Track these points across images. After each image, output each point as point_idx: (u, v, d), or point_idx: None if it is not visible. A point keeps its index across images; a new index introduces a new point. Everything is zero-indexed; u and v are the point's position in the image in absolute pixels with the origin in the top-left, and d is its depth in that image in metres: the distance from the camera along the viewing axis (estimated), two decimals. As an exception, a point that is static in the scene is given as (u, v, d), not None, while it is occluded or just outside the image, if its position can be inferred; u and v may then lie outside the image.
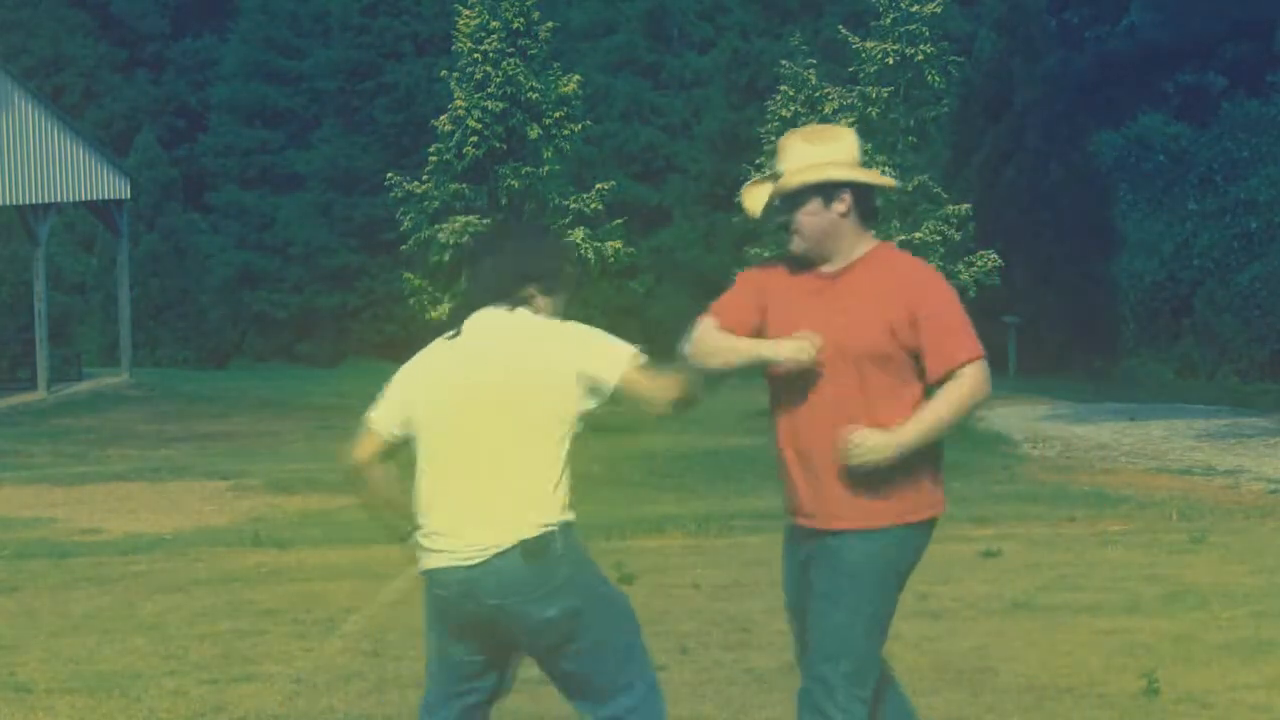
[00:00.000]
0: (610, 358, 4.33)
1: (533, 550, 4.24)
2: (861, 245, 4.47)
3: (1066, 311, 37.00)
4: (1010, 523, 13.36)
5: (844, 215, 4.43)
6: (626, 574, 9.84)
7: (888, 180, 4.55)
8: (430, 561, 4.38)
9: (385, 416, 4.44)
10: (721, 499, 16.53)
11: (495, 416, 4.28)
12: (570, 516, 4.33)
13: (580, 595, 4.33)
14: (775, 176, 4.52)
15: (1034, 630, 8.10)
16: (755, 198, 4.58)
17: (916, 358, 4.42)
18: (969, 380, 4.42)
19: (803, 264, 4.51)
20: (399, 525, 4.51)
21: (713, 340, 4.44)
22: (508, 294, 4.40)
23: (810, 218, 4.42)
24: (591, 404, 4.32)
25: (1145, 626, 8.15)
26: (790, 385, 4.42)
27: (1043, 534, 12.30)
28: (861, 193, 4.48)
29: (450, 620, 4.40)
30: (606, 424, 26.60)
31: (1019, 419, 26.53)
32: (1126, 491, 17.15)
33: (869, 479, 4.34)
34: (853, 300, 4.40)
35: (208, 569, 11.08)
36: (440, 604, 4.40)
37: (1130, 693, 6.65)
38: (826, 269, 4.47)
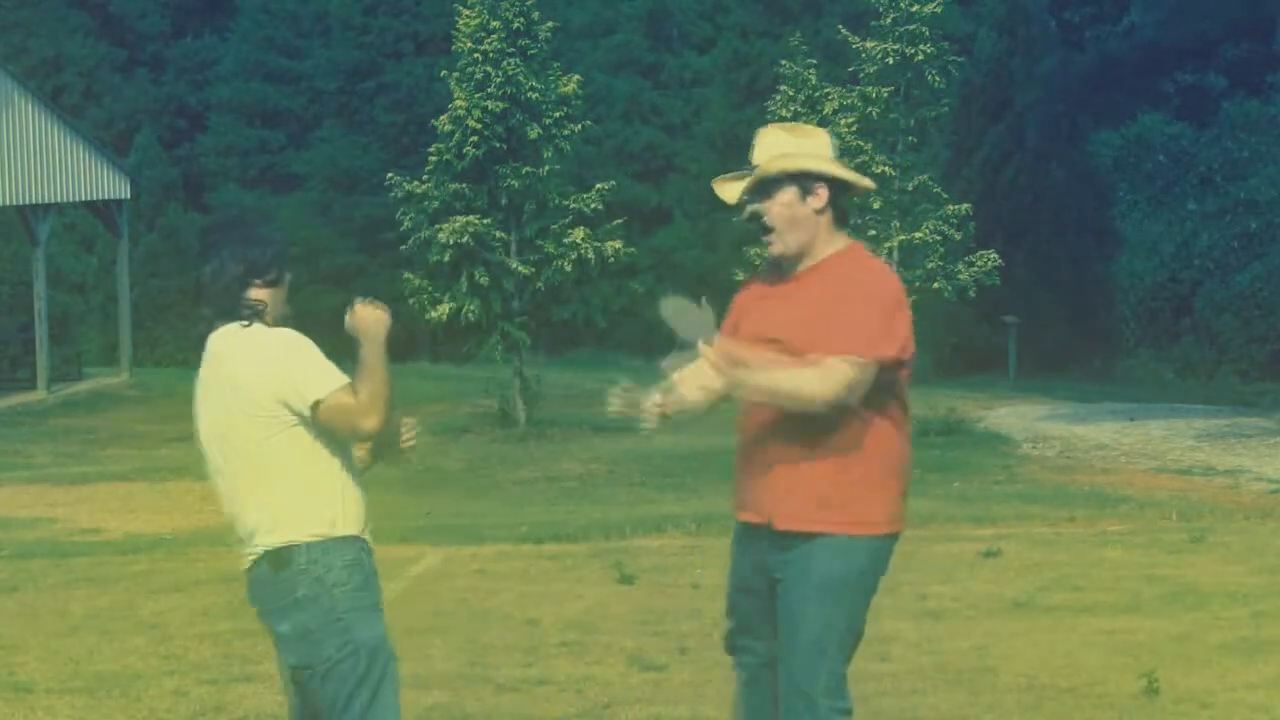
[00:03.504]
0: (319, 378, 4.26)
1: (274, 560, 4.23)
2: (831, 246, 4.41)
3: (1066, 311, 36.98)
4: (1010, 523, 13.35)
5: (819, 211, 4.37)
6: (626, 574, 9.84)
7: (865, 180, 4.50)
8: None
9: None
10: (721, 499, 16.47)
11: (225, 443, 4.32)
12: (330, 533, 4.23)
13: (316, 619, 4.19)
14: (753, 169, 4.48)
15: (1034, 630, 8.09)
16: (729, 189, 4.54)
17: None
18: (827, 371, 4.20)
19: (779, 270, 4.47)
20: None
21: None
22: (237, 296, 4.35)
23: (783, 209, 4.38)
24: (297, 420, 4.26)
25: (1145, 626, 8.15)
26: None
27: (1043, 534, 12.30)
28: (837, 191, 4.42)
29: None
30: (606, 424, 26.65)
31: (1019, 419, 26.52)
32: (1126, 491, 17.13)
33: (835, 487, 4.27)
34: (804, 299, 4.34)
35: (208, 569, 11.07)
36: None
37: (1130, 693, 6.65)
38: (797, 268, 4.42)
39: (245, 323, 4.34)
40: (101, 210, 32.79)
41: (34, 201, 29.87)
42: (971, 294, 26.71)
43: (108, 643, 8.14)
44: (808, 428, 4.28)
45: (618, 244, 25.96)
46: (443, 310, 24.81)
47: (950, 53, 27.12)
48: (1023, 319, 36.36)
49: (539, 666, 7.37)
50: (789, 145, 4.41)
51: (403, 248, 27.35)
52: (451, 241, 24.86)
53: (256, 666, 7.47)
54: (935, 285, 26.19)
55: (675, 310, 4.39)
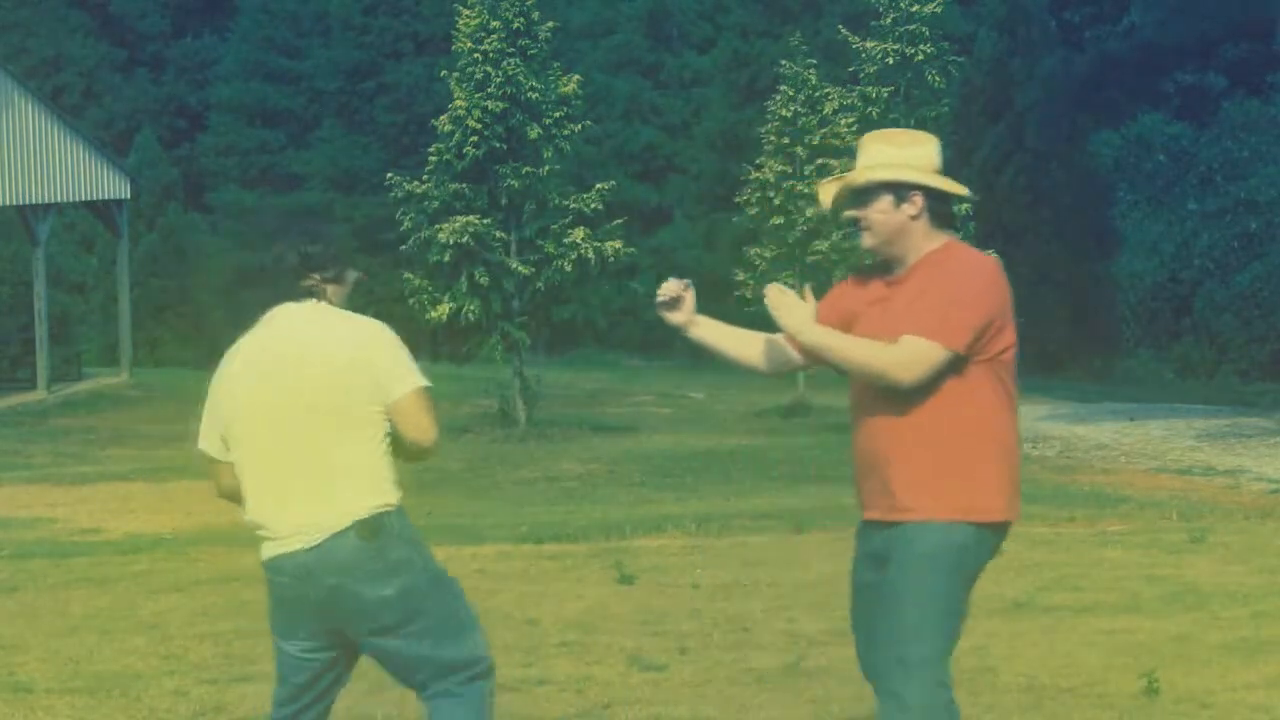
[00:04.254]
0: (400, 375, 4.35)
1: (368, 529, 4.31)
2: (929, 246, 4.51)
3: (1066, 311, 36.99)
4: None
5: (914, 217, 4.47)
6: (626, 574, 9.84)
7: (959, 188, 4.56)
8: (268, 550, 4.43)
9: (213, 442, 4.51)
10: (721, 499, 16.52)
11: (312, 408, 4.33)
12: (398, 499, 4.39)
13: (415, 575, 4.38)
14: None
15: (1034, 630, 8.09)
16: (828, 191, 4.65)
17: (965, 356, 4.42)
18: (899, 349, 4.35)
19: (880, 273, 4.58)
20: None
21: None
22: (293, 284, 4.45)
23: (880, 215, 4.48)
24: (378, 405, 4.36)
25: (1145, 626, 8.15)
26: (862, 386, 4.51)
27: (1043, 534, 12.29)
28: (935, 197, 4.51)
29: (288, 609, 4.45)
30: (606, 424, 26.69)
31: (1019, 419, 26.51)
32: (1126, 491, 17.14)
33: (936, 475, 4.40)
34: (904, 301, 4.45)
35: (208, 569, 11.07)
36: (278, 593, 4.46)
37: (1130, 693, 6.65)
38: (893, 274, 4.54)
39: (311, 299, 4.43)
40: (101, 210, 32.79)
41: (34, 201, 29.88)
42: (971, 294, 26.68)
43: (108, 643, 8.14)
44: (909, 416, 4.41)
45: (618, 244, 25.97)
46: (443, 310, 24.82)
47: (950, 53, 27.14)
48: (1022, 319, 36.23)
49: (539, 666, 7.37)
50: (888, 155, 4.51)
51: (403, 248, 27.36)
52: (451, 241, 24.86)
53: (256, 666, 7.47)
54: (935, 285, 26.20)
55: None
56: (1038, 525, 13.03)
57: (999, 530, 4.50)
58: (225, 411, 4.45)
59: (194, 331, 46.57)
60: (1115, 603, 8.89)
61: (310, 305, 4.44)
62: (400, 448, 4.41)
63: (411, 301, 25.56)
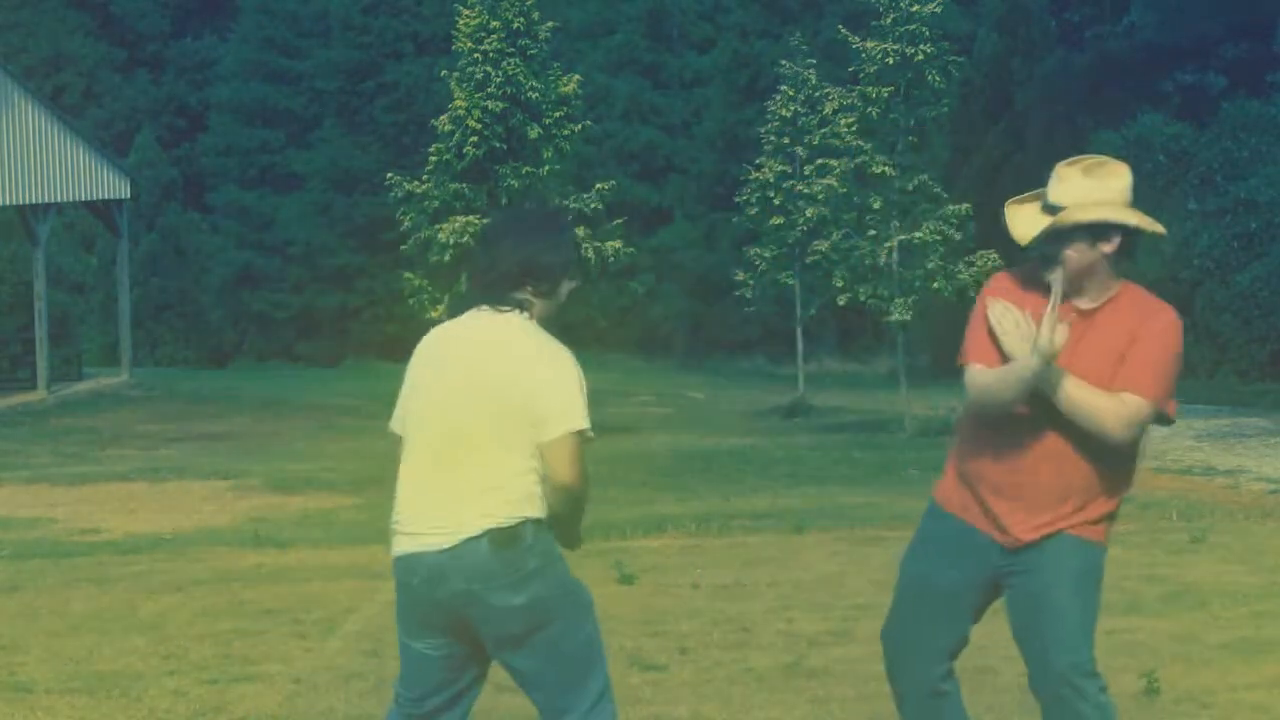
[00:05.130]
0: (560, 414, 4.32)
1: (503, 538, 4.29)
2: (1114, 284, 4.53)
3: (1066, 311, 36.89)
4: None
5: (1107, 255, 4.46)
6: (626, 574, 9.84)
7: (1157, 226, 4.55)
8: (402, 546, 4.41)
9: (398, 421, 4.52)
10: (721, 499, 16.52)
11: (478, 411, 4.33)
12: (542, 513, 4.36)
13: (548, 586, 4.36)
14: (1049, 207, 4.52)
15: (1034, 630, 8.08)
16: (1024, 222, 4.56)
17: None
18: (1122, 404, 4.44)
19: (1043, 289, 4.53)
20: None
21: (987, 378, 4.49)
22: (504, 292, 4.42)
23: (1076, 255, 4.45)
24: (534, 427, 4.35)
25: (1145, 626, 8.16)
26: (1021, 413, 4.50)
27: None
28: (1129, 233, 4.49)
29: (418, 609, 4.42)
30: (606, 424, 26.66)
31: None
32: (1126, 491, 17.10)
33: (1094, 501, 4.62)
34: (1098, 339, 4.48)
35: (208, 569, 11.08)
36: (408, 593, 4.43)
37: (1130, 693, 6.65)
38: (1080, 304, 4.52)
39: (515, 310, 4.40)
40: (101, 210, 32.80)
41: (34, 201, 29.88)
42: (972, 294, 26.66)
43: (108, 643, 8.14)
44: (1086, 449, 4.53)
45: (618, 244, 25.98)
46: (442, 310, 24.81)
47: (950, 53, 27.12)
48: (1023, 319, 36.34)
49: (539, 666, 7.36)
50: (1086, 190, 4.48)
51: (403, 248, 27.36)
52: (451, 241, 24.87)
53: (256, 667, 7.47)
54: (935, 285, 26.19)
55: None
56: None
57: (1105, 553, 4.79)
58: (407, 393, 4.47)
59: (194, 332, 46.61)
60: (1115, 603, 8.88)
61: (512, 317, 4.40)
62: (548, 483, 4.38)
63: (411, 301, 25.56)
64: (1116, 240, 4.44)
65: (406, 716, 4.55)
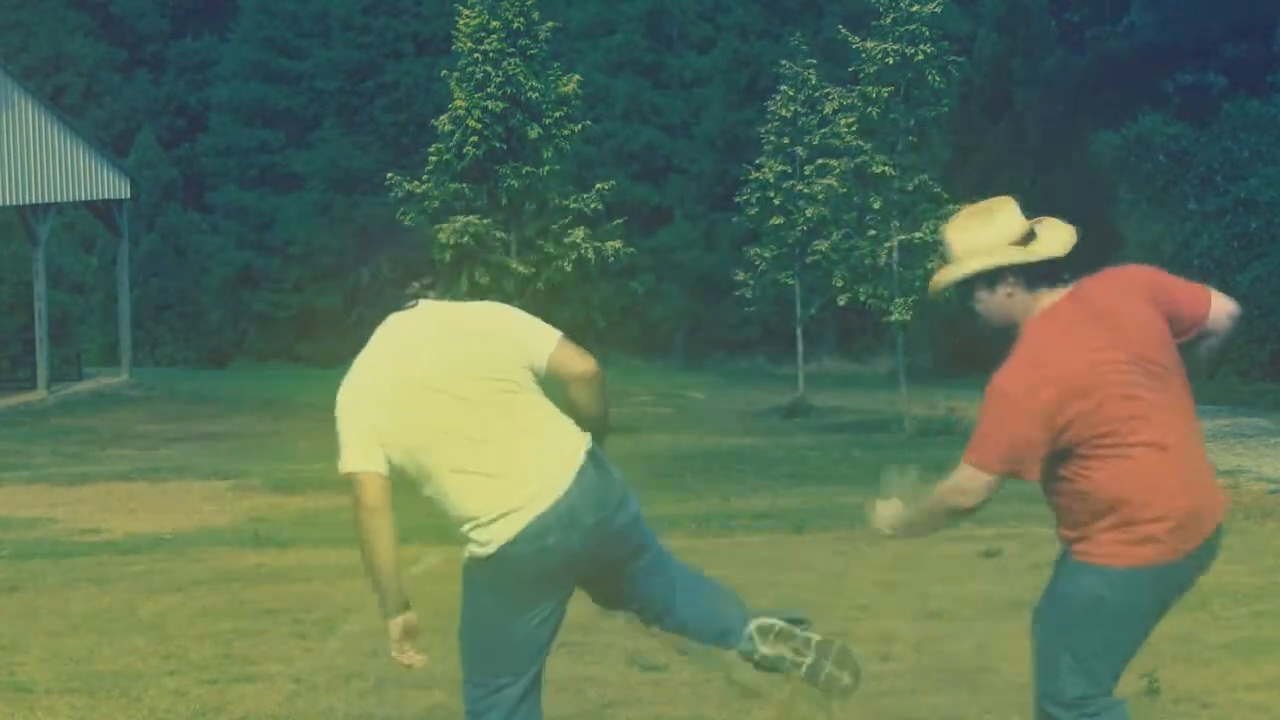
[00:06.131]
0: (538, 334, 4.47)
1: (596, 460, 4.48)
2: (1039, 302, 4.46)
3: (1066, 311, 36.88)
4: (1010, 523, 13.34)
5: (1010, 296, 4.45)
6: (626, 574, 9.83)
7: (1045, 249, 4.49)
8: (514, 525, 4.33)
9: (365, 454, 4.39)
10: (721, 499, 16.52)
11: (475, 388, 4.35)
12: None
13: (634, 500, 4.58)
14: (946, 258, 4.59)
15: (1034, 630, 8.08)
16: (934, 285, 4.62)
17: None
18: (949, 477, 4.54)
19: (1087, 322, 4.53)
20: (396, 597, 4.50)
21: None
22: (399, 294, 4.58)
23: (980, 305, 4.50)
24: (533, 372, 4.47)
25: (1145, 626, 8.14)
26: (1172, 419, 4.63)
27: (1043, 534, 12.27)
28: (1024, 267, 4.45)
29: (549, 570, 4.37)
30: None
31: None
32: (1126, 491, 17.07)
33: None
34: (1113, 308, 4.46)
35: (208, 569, 11.07)
36: (540, 560, 4.35)
37: (1130, 693, 6.63)
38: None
39: (417, 301, 4.56)
40: (101, 210, 32.79)
41: (34, 201, 29.88)
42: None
43: (108, 643, 8.14)
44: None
45: (618, 244, 25.98)
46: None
47: (950, 53, 27.12)
48: (1023, 319, 36.35)
49: (539, 666, 7.35)
50: (966, 243, 4.49)
51: (403, 248, 27.33)
52: (452, 241, 24.88)
53: (256, 667, 7.47)
54: (935, 285, 26.18)
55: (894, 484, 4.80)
56: (1038, 525, 13.02)
57: None
58: (387, 421, 4.38)
59: (194, 332, 46.60)
60: (1115, 603, 8.88)
61: (423, 305, 4.53)
62: (571, 391, 4.50)
63: (411, 301, 25.57)
64: (1010, 280, 4.42)
65: (489, 706, 4.60)
